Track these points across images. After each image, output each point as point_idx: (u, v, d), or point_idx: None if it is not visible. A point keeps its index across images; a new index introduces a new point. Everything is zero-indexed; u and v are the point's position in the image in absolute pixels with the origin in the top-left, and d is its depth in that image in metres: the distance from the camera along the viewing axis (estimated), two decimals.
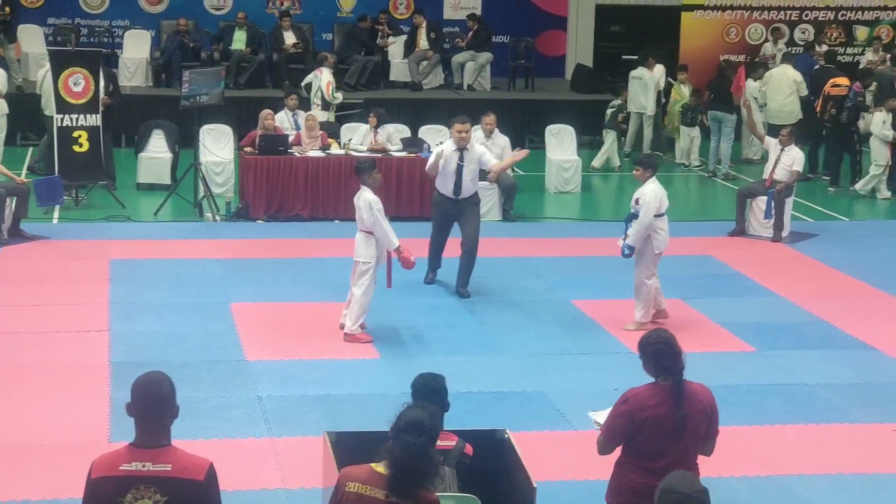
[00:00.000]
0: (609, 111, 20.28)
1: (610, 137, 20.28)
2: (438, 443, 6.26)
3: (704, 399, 6.22)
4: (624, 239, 11.67)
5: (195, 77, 16.47)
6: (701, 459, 6.29)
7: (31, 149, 19.58)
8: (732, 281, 13.75)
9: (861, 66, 22.24)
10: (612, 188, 19.67)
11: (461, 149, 12.62)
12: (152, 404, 5.11)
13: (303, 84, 19.23)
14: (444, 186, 12.76)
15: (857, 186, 18.68)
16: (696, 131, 20.45)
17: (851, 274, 14.11)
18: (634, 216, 11.53)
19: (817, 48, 23.08)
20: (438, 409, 5.41)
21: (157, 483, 5.02)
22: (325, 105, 18.97)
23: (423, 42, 22.72)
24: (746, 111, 17.81)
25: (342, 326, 11.39)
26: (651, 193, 11.47)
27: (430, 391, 6.43)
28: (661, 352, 6.16)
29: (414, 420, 5.34)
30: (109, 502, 5.03)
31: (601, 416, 6.45)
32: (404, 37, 23.29)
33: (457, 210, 12.79)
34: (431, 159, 12.88)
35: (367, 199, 11.03)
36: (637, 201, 11.51)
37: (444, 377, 6.53)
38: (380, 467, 5.28)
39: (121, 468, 5.05)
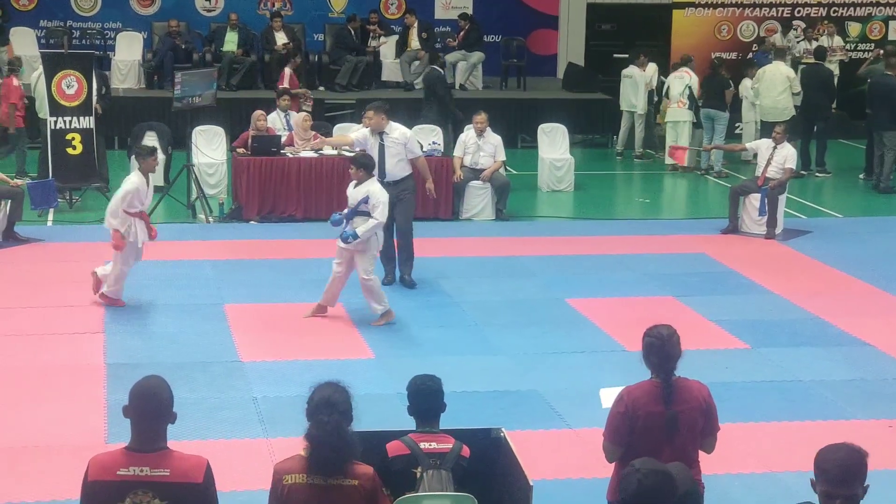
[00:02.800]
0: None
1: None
2: (435, 446, 6.28)
3: (699, 395, 6.21)
4: (344, 227, 11.63)
5: (187, 78, 16.47)
6: (700, 456, 6.29)
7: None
8: (726, 278, 13.76)
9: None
10: (604, 186, 19.68)
11: (378, 133, 12.89)
12: (149, 413, 5.12)
13: (664, 88, 20.22)
14: None
15: None
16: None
17: (845, 270, 14.13)
18: (356, 213, 11.54)
19: (807, 45, 23.15)
20: (346, 387, 5.53)
21: (155, 488, 5.02)
22: (691, 105, 19.47)
23: (414, 42, 22.72)
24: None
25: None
26: (382, 193, 11.66)
27: (427, 393, 6.43)
28: (651, 345, 6.16)
29: (324, 399, 5.41)
30: None
31: (608, 394, 6.45)
32: (396, 37, 23.29)
33: (390, 194, 12.84)
34: (361, 135, 13.03)
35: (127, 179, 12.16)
36: (366, 201, 11.52)
37: (440, 378, 6.53)
38: (303, 452, 5.35)
39: (118, 472, 5.05)
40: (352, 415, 5.45)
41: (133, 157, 12.02)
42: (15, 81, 17.72)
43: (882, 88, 18.89)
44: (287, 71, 19.94)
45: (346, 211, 11.72)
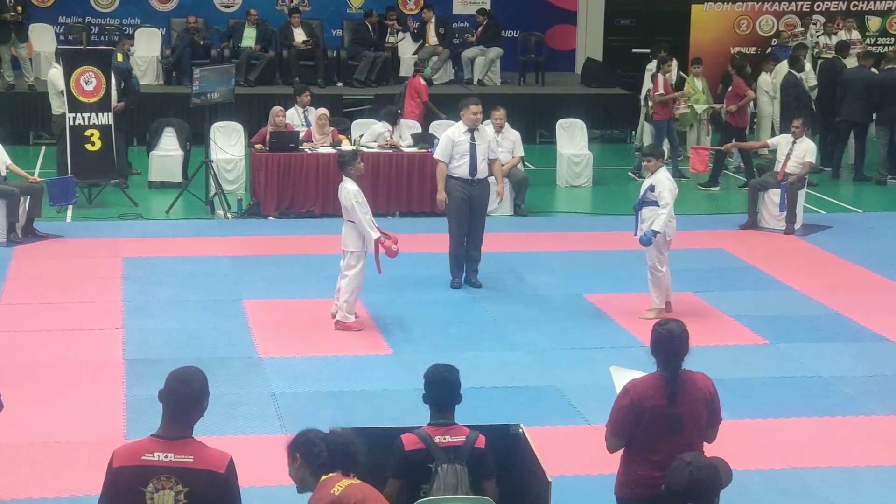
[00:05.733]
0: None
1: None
2: (449, 439, 6.30)
3: (704, 388, 6.21)
4: (639, 228, 11.76)
5: (206, 75, 16.49)
6: (708, 449, 6.27)
7: (43, 148, 19.64)
8: (745, 274, 13.72)
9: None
10: (622, 182, 19.61)
11: (471, 129, 12.71)
12: (181, 402, 5.22)
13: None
14: (460, 169, 12.73)
15: None
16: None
17: (865, 265, 14.08)
18: (645, 203, 11.68)
19: (826, 40, 23.04)
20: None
21: (178, 473, 5.08)
22: None
23: (432, 37, 22.70)
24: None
25: (334, 316, 11.51)
26: (667, 180, 11.66)
27: (444, 384, 6.43)
28: (660, 340, 6.15)
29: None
30: (131, 491, 5.10)
31: (621, 374, 6.47)
32: (414, 32, 23.27)
33: (472, 193, 12.78)
34: (443, 144, 12.82)
35: (349, 190, 11.16)
36: (652, 188, 11.62)
37: (458, 369, 6.52)
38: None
39: (143, 458, 5.13)
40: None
41: (338, 167, 11.56)
42: (421, 81, 18.67)
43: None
44: (661, 78, 18.93)
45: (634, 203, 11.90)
